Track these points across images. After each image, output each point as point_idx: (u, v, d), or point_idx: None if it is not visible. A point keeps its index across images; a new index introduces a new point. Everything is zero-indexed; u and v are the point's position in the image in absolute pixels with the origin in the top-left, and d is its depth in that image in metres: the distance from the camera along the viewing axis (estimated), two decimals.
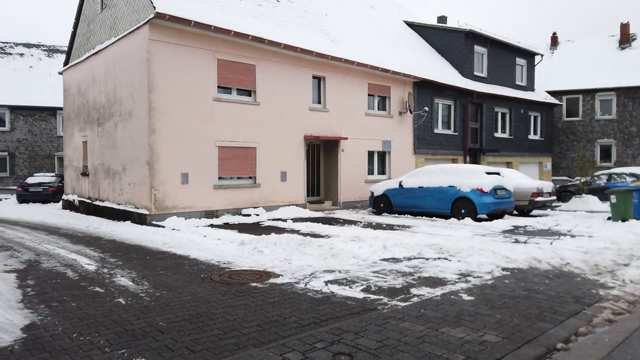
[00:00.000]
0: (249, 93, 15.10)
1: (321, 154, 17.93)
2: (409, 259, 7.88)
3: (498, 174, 14.03)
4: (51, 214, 16.60)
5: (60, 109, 25.50)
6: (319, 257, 7.58)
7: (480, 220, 13.29)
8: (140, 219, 13.23)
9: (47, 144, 28.13)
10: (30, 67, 29.70)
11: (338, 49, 17.30)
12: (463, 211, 13.33)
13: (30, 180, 22.36)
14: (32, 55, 30.66)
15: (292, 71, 15.94)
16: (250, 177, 15.14)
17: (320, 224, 12.41)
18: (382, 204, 15.47)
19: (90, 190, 17.07)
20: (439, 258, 7.90)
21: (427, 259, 7.83)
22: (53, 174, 23.50)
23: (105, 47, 15.43)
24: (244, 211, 14.55)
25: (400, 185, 14.92)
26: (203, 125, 13.86)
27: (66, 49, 21.87)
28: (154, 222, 12.75)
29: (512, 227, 12.16)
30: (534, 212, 16.19)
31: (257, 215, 14.32)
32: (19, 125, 27.54)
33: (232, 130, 14.51)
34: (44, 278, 6.66)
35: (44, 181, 22.24)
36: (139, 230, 11.76)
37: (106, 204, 15.47)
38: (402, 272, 6.92)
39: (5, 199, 23.57)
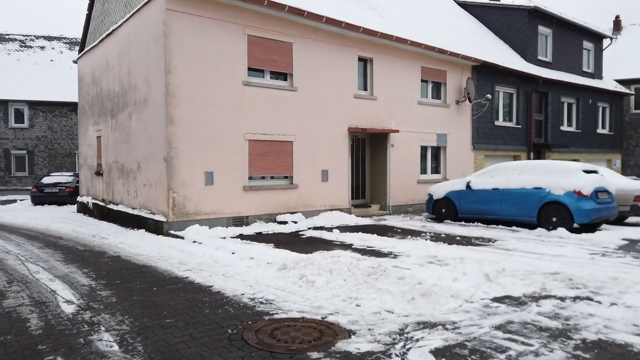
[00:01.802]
0: (284, 77, 12.70)
1: (366, 149, 15.38)
2: (535, 298, 5.28)
3: (596, 172, 11.21)
4: (61, 218, 14.61)
5: None
6: (402, 296, 5.07)
7: (577, 231, 10.49)
8: (156, 227, 11.00)
9: (67, 142, 26.52)
10: (51, 60, 28.20)
11: (387, 26, 14.72)
12: (554, 219, 10.57)
13: (45, 180, 20.59)
14: (53, 48, 29.19)
15: (335, 51, 13.46)
16: (285, 177, 12.74)
17: (375, 235, 9.89)
18: (443, 208, 12.81)
19: (104, 192, 15.03)
20: (579, 297, 5.28)
21: (562, 300, 5.21)
22: (70, 174, 21.70)
23: (118, 26, 13.30)
24: (279, 217, 12.14)
25: (468, 186, 12.24)
26: (231, 114, 11.53)
27: None
28: (172, 232, 10.49)
29: (626, 241, 9.35)
30: (628, 219, 13.20)
31: (295, 222, 11.90)
32: (39, 122, 26.01)
33: (265, 120, 12.14)
34: None
35: (60, 181, 20.42)
36: (152, 243, 9.50)
37: (120, 207, 13.34)
38: (544, 328, 4.34)
39: (21, 200, 21.94)
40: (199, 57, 10.98)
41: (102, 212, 14.70)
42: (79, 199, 17.17)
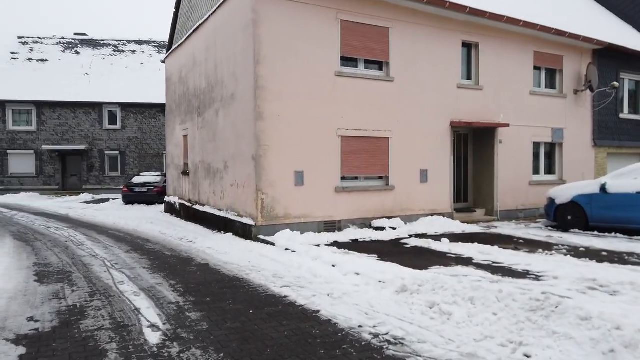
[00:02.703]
0: (379, 66, 11.43)
1: (469, 146, 13.67)
2: None
3: None
4: (149, 219, 14.43)
5: None
6: (592, 345, 3.59)
7: None
8: (244, 231, 10.21)
9: (156, 142, 27.18)
10: (141, 64, 29.15)
11: (493, 5, 12.90)
12: None
13: (135, 180, 20.99)
14: (143, 52, 30.20)
15: (436, 36, 11.96)
16: (380, 177, 11.47)
17: (496, 247, 8.30)
18: (569, 215, 10.83)
19: (190, 192, 14.67)
20: None
21: None
22: (158, 174, 21.99)
23: (205, 20, 12.78)
24: (375, 223, 10.88)
25: (603, 189, 10.19)
26: (322, 108, 10.47)
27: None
28: (261, 237, 9.61)
29: None
30: None
31: (394, 228, 10.58)
32: (130, 123, 26.89)
33: (359, 115, 10.95)
34: None
35: (149, 181, 20.69)
36: (241, 249, 8.65)
37: (206, 208, 12.81)
38: None
39: (114, 199, 22.63)
40: (289, 46, 10.03)
41: (188, 213, 14.34)
42: (166, 199, 17.09)
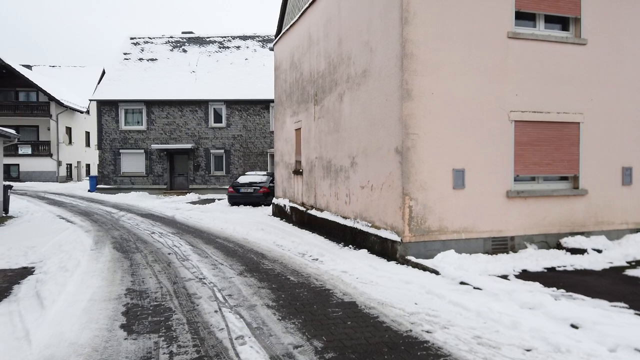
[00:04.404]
0: (564, 24, 8.33)
1: None
2: None
3: None
4: (258, 224, 12.57)
5: (273, 101, 22.59)
6: None
7: None
8: (383, 248, 7.74)
9: (260, 140, 25.89)
10: (246, 59, 28.11)
11: None
12: None
13: (241, 179, 19.58)
14: (247, 47, 29.18)
15: None
16: (563, 178, 8.36)
17: None
18: None
19: (304, 194, 12.57)
20: None
21: None
22: (264, 173, 20.44)
23: None
24: (567, 242, 7.79)
25: None
26: (488, 82, 7.67)
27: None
28: (411, 258, 7.06)
29: None
30: None
31: (599, 251, 7.41)
32: (234, 121, 25.88)
33: (538, 91, 7.96)
34: None
35: (254, 181, 19.17)
36: (391, 277, 6.17)
37: (325, 215, 10.56)
38: None
39: (219, 199, 21.55)
40: (445, 1, 7.37)
41: (302, 219, 12.24)
42: (274, 201, 15.25)
